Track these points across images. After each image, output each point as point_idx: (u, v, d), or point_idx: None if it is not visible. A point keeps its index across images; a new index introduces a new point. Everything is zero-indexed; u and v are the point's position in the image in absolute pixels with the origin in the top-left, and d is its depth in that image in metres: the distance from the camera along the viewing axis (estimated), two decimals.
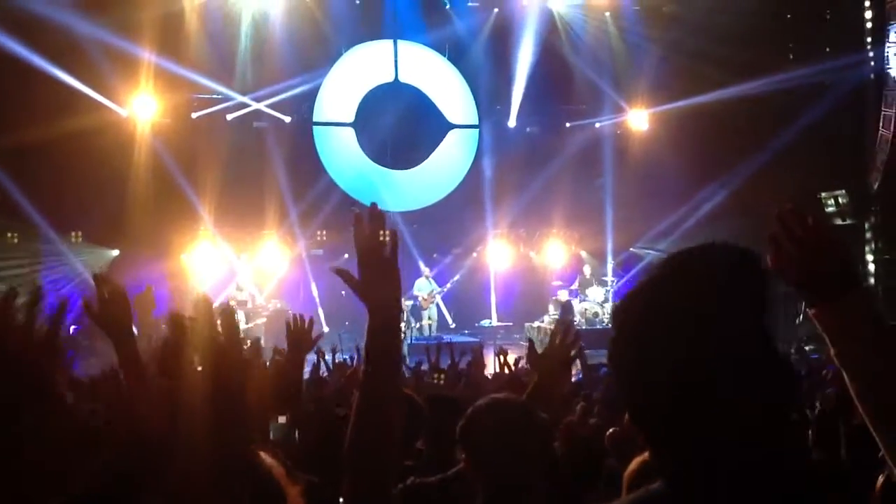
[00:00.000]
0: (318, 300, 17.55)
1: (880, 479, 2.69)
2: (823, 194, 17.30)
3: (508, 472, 2.21)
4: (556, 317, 17.30)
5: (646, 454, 2.54)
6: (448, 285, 18.13)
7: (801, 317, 17.75)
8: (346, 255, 18.57)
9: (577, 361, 7.40)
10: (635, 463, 2.46)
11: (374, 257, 1.83)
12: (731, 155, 16.51)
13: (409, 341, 16.05)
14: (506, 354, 8.10)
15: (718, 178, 16.72)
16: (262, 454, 1.39)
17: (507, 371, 7.88)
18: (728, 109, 16.25)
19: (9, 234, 15.65)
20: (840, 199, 17.19)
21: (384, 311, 1.81)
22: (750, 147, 16.31)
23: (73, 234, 16.26)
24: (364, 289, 1.82)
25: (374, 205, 1.90)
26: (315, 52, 18.12)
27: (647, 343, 1.16)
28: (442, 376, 5.83)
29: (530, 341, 3.74)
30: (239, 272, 17.47)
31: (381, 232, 1.86)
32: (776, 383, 1.17)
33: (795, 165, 15.89)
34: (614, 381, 1.22)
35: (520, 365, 8.16)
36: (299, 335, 3.60)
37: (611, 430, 3.97)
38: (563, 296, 17.76)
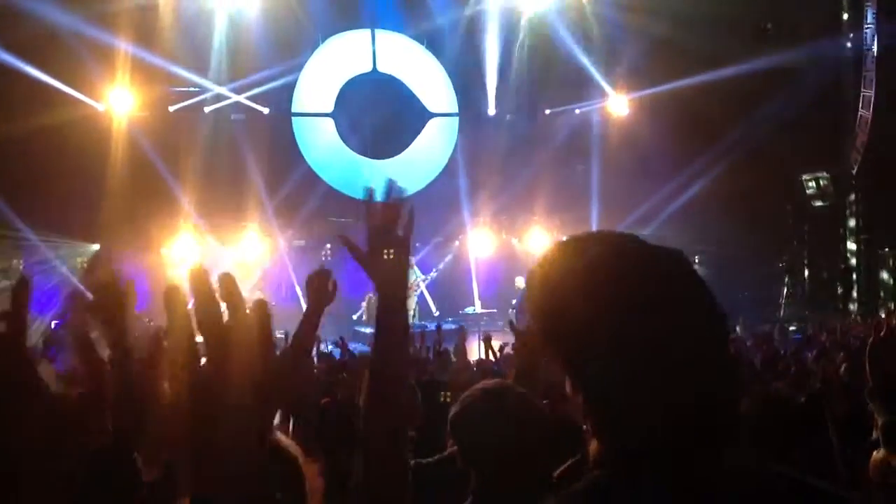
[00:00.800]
0: (300, 292, 17.43)
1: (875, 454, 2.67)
2: (805, 176, 17.41)
3: (501, 460, 2.18)
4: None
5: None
6: (432, 273, 18.13)
7: (784, 299, 17.95)
8: (329, 246, 18.59)
9: None
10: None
11: (385, 234, 1.82)
12: (713, 139, 16.54)
13: None
14: (490, 340, 8.08)
15: (700, 163, 16.74)
16: (280, 435, 1.41)
17: (491, 357, 7.87)
18: (708, 93, 16.26)
19: None
20: (821, 181, 17.30)
21: (391, 287, 1.81)
22: (731, 131, 16.34)
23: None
24: (372, 265, 1.82)
25: (391, 181, 1.87)
26: (292, 42, 18.00)
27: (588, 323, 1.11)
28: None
29: (511, 323, 3.70)
30: (218, 264, 17.35)
31: (397, 209, 1.83)
32: (712, 375, 1.12)
33: (776, 148, 15.96)
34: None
35: (504, 351, 8.17)
36: (321, 287, 3.42)
37: None
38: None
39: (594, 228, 18.42)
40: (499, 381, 2.44)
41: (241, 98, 17.86)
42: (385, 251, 1.81)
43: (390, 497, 1.74)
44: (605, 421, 1.13)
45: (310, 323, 3.17)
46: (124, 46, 15.97)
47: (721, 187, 16.30)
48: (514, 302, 17.98)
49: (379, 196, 1.86)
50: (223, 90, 17.70)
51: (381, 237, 1.82)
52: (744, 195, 16.22)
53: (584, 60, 19.00)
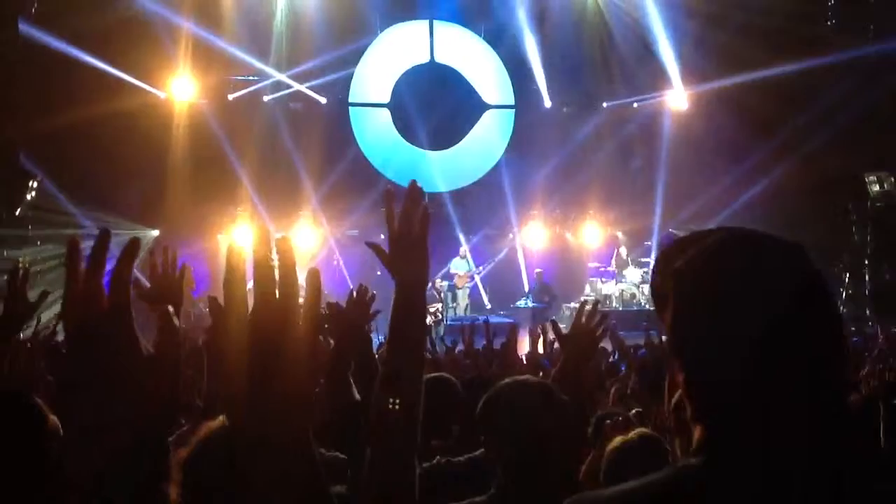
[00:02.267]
0: (349, 281, 17.57)
1: None
2: (868, 175, 16.98)
3: (525, 453, 2.20)
4: (591, 298, 17.35)
5: (629, 435, 2.50)
6: (482, 267, 18.17)
7: (843, 300, 17.56)
8: (382, 236, 18.65)
9: (612, 343, 7.36)
10: (612, 447, 2.43)
11: (403, 234, 1.86)
12: (774, 135, 16.19)
13: (445, 322, 16.14)
14: (546, 333, 8.05)
15: (760, 159, 16.41)
16: None
17: (543, 350, 7.85)
18: (771, 88, 15.93)
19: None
20: (884, 181, 16.86)
21: (408, 287, 1.83)
22: (789, 128, 15.98)
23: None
24: (392, 265, 1.86)
25: (412, 182, 1.92)
26: (351, 31, 18.08)
27: (721, 312, 1.14)
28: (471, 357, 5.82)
29: (553, 322, 3.68)
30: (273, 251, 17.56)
31: (415, 210, 1.86)
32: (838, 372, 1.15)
33: (838, 146, 15.57)
34: (671, 344, 1.20)
35: (554, 346, 8.14)
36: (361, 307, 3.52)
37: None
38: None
39: (646, 222, 18.41)
40: (526, 376, 2.46)
41: (301, 87, 18.01)
42: (403, 250, 1.85)
43: (396, 499, 1.75)
44: (709, 407, 1.16)
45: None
46: (185, 33, 16.26)
47: (781, 185, 15.98)
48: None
49: (395, 197, 1.90)
50: (283, 77, 17.87)
51: (399, 237, 1.86)
52: (805, 193, 15.88)
53: (644, 53, 18.79)
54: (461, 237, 18.11)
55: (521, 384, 2.32)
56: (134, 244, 1.24)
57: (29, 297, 2.98)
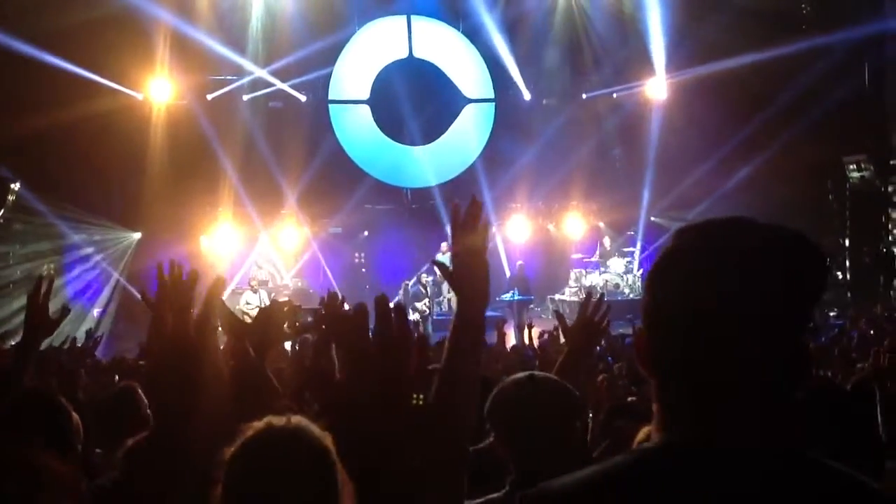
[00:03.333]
0: (332, 279, 17.49)
1: None
2: (846, 159, 17.12)
3: (541, 451, 2.20)
4: (576, 289, 17.48)
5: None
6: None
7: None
8: (366, 233, 18.70)
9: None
10: (644, 432, 2.45)
11: (469, 252, 1.88)
12: (750, 124, 16.26)
13: (432, 317, 16.15)
14: (531, 328, 8.10)
15: (740, 147, 16.47)
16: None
17: (531, 344, 7.88)
18: (746, 77, 16.00)
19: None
20: (862, 164, 17.01)
21: (471, 303, 1.86)
22: (769, 115, 16.05)
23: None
24: (458, 282, 1.87)
25: (474, 198, 1.92)
26: (329, 28, 17.99)
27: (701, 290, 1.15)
28: None
29: (558, 314, 3.74)
30: (256, 250, 17.57)
31: (476, 225, 1.89)
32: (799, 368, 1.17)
33: (816, 132, 15.68)
34: (651, 325, 1.21)
35: (543, 338, 8.18)
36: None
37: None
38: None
39: (629, 212, 18.47)
40: (534, 372, 2.46)
41: (281, 84, 17.91)
42: (469, 267, 1.87)
43: None
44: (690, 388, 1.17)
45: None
46: (163, 33, 16.16)
47: (762, 171, 16.06)
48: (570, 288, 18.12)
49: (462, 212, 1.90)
50: (263, 73, 17.76)
51: (465, 255, 1.88)
52: (785, 178, 15.97)
53: (623, 43, 18.84)
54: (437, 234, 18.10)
55: (531, 380, 2.32)
56: (219, 284, 1.33)
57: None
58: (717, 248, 1.18)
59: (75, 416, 2.70)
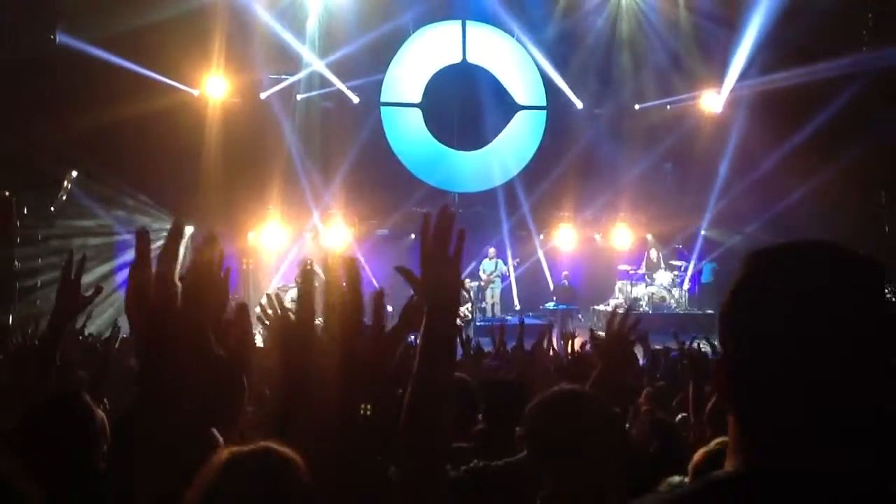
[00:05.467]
0: (373, 280, 17.50)
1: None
2: None
3: (579, 468, 2.18)
4: (621, 300, 17.36)
5: (711, 445, 2.48)
6: (512, 264, 18.20)
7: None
8: (413, 236, 18.70)
9: (641, 347, 7.32)
10: (700, 454, 2.42)
11: (436, 259, 1.86)
12: (810, 140, 15.89)
13: (475, 322, 16.16)
14: (573, 338, 8.03)
15: (794, 162, 16.13)
16: None
17: (570, 354, 7.81)
18: (807, 92, 15.70)
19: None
20: None
21: (440, 312, 1.84)
22: (831, 132, 15.66)
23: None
24: (424, 289, 1.86)
25: (443, 208, 1.89)
26: (384, 33, 18.10)
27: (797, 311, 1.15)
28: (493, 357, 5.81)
29: (591, 331, 3.72)
30: (305, 248, 17.71)
31: (448, 232, 1.87)
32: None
33: (879, 154, 15.29)
34: (731, 341, 1.20)
35: (585, 349, 8.11)
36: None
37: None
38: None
39: (677, 225, 18.25)
40: (574, 386, 2.44)
41: (338, 82, 18.01)
42: (436, 275, 1.84)
43: None
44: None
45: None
46: (219, 31, 16.41)
47: (817, 192, 15.69)
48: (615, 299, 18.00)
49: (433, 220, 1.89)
50: (318, 70, 17.90)
51: (432, 262, 1.85)
52: (838, 196, 15.60)
53: (677, 56, 18.66)
54: (484, 240, 18.09)
55: (569, 395, 2.30)
56: (211, 240, 1.32)
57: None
58: (816, 274, 1.17)
59: (100, 413, 2.69)
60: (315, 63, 17.81)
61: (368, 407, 1.71)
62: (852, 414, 1.11)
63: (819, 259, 1.19)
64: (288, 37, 17.31)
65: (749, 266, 1.22)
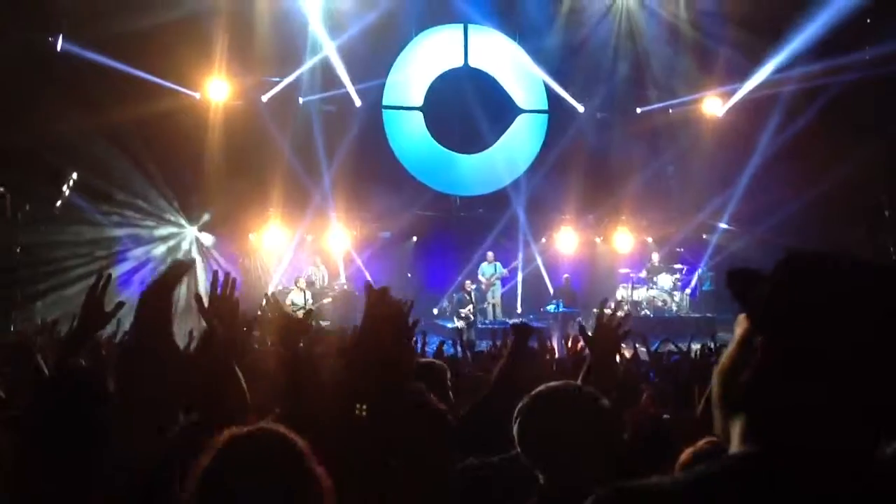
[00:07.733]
0: (373, 283, 17.43)
1: None
2: None
3: (571, 463, 2.18)
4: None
5: (699, 444, 2.48)
6: (512, 266, 18.24)
7: None
8: (415, 238, 18.73)
9: (644, 350, 7.32)
10: (687, 453, 2.43)
11: (376, 325, 2.18)
12: (814, 143, 15.81)
13: (476, 325, 16.20)
14: (573, 338, 8.02)
15: (797, 164, 16.04)
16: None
17: (573, 354, 7.81)
18: (808, 96, 15.67)
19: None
20: None
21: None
22: (835, 135, 15.56)
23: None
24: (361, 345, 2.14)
25: (384, 288, 2.35)
26: (386, 36, 18.12)
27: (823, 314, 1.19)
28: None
29: (581, 326, 3.75)
30: (306, 250, 17.75)
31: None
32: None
33: (874, 161, 15.21)
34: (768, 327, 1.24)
35: (579, 346, 8.10)
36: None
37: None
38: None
39: (679, 229, 18.20)
40: (566, 382, 2.45)
41: (346, 82, 18.00)
42: (373, 338, 2.18)
43: None
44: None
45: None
46: (220, 34, 16.46)
47: (821, 193, 15.58)
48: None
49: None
50: (319, 72, 17.91)
51: (371, 328, 2.22)
52: (841, 199, 15.53)
53: (680, 58, 18.67)
54: (484, 244, 18.13)
55: (559, 390, 2.31)
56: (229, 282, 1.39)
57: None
58: (846, 272, 1.23)
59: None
60: (315, 70, 17.82)
61: (365, 407, 1.73)
62: (874, 394, 1.15)
63: (848, 261, 1.24)
64: (287, 43, 17.33)
65: (787, 264, 1.27)
